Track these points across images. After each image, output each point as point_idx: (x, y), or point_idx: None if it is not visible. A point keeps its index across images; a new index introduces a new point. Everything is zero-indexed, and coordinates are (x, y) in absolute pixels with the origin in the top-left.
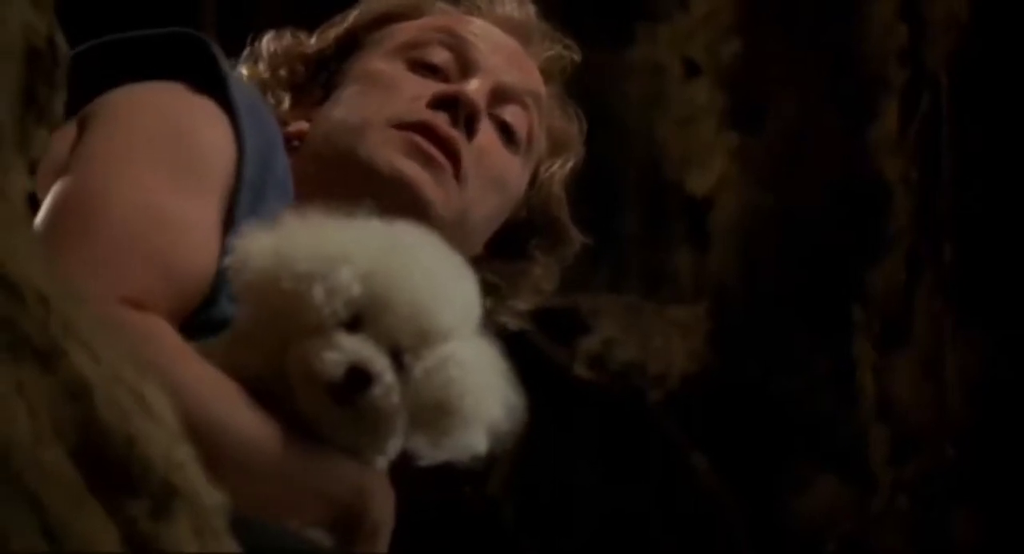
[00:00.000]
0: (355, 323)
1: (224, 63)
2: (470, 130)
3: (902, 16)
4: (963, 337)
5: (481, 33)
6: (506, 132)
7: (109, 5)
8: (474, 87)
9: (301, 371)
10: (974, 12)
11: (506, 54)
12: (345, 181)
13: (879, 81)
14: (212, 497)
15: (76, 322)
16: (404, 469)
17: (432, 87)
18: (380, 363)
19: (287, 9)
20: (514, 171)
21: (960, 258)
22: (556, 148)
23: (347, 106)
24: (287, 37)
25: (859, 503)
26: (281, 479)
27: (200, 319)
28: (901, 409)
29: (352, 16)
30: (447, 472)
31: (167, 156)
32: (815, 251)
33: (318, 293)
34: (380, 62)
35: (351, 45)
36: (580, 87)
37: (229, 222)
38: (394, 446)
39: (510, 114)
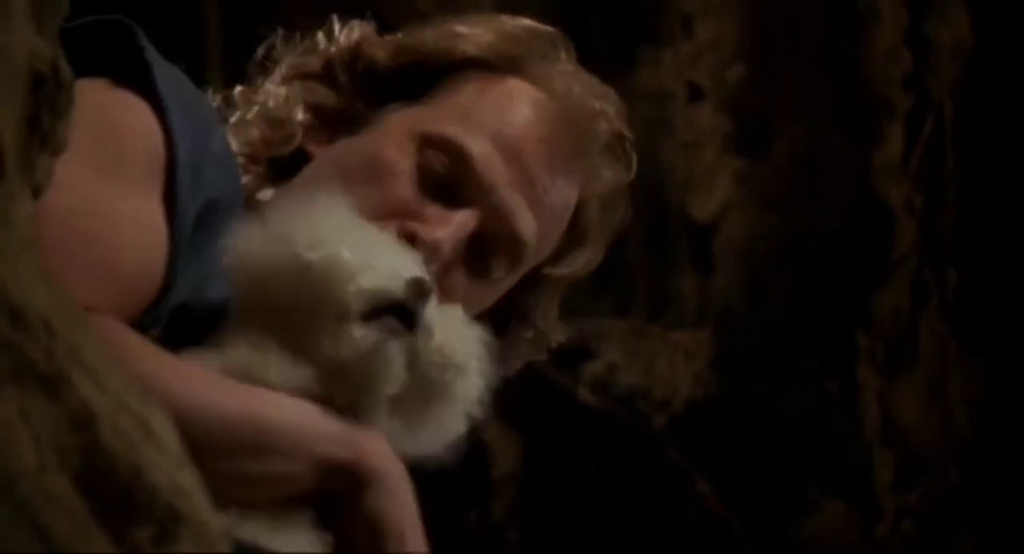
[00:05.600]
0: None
1: (151, 51)
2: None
3: (907, 42)
4: (967, 362)
5: (512, 147)
6: (483, 264)
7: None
8: (444, 234)
9: (341, 299)
10: (978, 39)
11: (527, 175)
12: None
13: (884, 106)
14: (217, 522)
15: (81, 349)
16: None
17: (420, 205)
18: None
19: (295, 7)
20: (484, 297)
21: (964, 283)
22: (567, 251)
23: (340, 182)
24: (356, 31)
25: (864, 528)
26: (264, 450)
27: (158, 308)
28: (906, 434)
29: (433, 40)
30: (451, 497)
31: (95, 155)
32: (819, 276)
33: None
34: (393, 149)
35: (410, 75)
36: None
37: (170, 205)
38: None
39: (491, 254)
